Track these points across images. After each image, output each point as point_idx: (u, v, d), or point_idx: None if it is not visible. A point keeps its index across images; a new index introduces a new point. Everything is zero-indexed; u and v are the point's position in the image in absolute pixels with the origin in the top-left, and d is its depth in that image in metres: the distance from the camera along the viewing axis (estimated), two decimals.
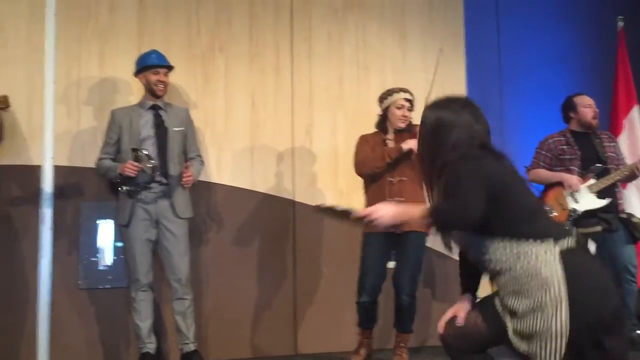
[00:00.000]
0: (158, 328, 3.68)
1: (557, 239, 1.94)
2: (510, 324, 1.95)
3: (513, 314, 1.95)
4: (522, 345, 1.93)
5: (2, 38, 3.69)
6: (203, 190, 3.96)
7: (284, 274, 4.10)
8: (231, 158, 4.11)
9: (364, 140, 3.65)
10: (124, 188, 3.40)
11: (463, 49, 4.61)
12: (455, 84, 4.38)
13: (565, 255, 1.92)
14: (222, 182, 4.07)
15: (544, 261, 1.91)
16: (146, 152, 3.40)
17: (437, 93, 4.43)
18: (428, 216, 1.96)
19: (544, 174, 3.93)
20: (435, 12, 4.61)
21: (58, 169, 3.68)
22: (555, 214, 3.76)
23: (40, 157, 3.64)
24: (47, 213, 3.63)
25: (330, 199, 4.07)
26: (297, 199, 4.13)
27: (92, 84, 3.86)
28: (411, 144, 3.39)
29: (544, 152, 3.98)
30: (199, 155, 3.72)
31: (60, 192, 3.68)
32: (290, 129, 4.23)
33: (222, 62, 4.15)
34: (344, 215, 2.06)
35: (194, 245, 3.73)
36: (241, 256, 4.04)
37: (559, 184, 3.85)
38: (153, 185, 3.44)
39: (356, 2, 4.47)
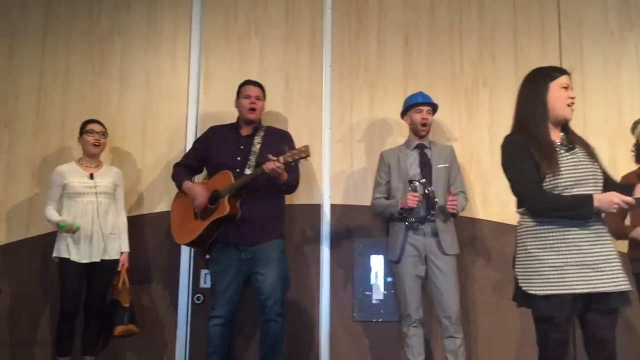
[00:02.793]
0: None
1: None
2: None
3: None
4: None
5: (287, 91, 4.17)
6: (469, 227, 3.93)
7: None
8: (497, 193, 4.01)
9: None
10: (408, 220, 3.49)
11: None
12: None
13: None
14: (488, 218, 3.98)
15: None
16: (423, 181, 3.49)
17: None
18: None
19: None
20: None
21: (334, 207, 4.02)
22: None
23: (319, 196, 4.04)
24: (325, 248, 3.97)
25: None
26: None
27: (363, 127, 4.12)
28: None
29: None
30: (463, 192, 3.71)
31: (336, 229, 3.99)
32: None
33: (486, 97, 4.11)
34: None
35: (461, 282, 3.69)
36: (511, 296, 3.87)
37: None
38: (431, 215, 3.49)
39: (636, 20, 4.08)
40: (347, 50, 4.20)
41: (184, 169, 3.71)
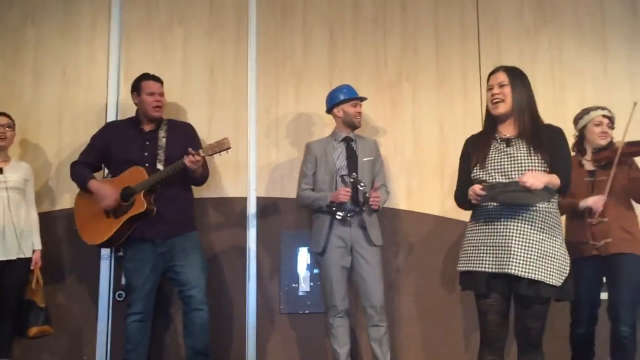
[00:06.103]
0: (354, 354, 3.73)
1: None
2: None
3: None
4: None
5: (213, 82, 4.10)
6: (392, 218, 3.99)
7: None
8: (420, 185, 4.09)
9: None
10: (338, 214, 3.50)
11: None
12: None
13: None
14: (411, 209, 4.06)
15: None
16: (355, 176, 3.51)
17: None
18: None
19: None
20: None
21: (260, 200, 3.98)
22: None
23: (245, 189, 4.00)
24: (252, 241, 3.94)
25: None
26: None
27: (289, 120, 4.11)
28: (590, 202, 3.33)
29: None
30: (384, 185, 3.76)
31: (262, 222, 3.96)
32: None
33: (409, 91, 4.19)
34: (509, 186, 2.49)
35: (384, 272, 3.73)
36: (433, 284, 3.98)
37: None
38: (360, 209, 3.51)
39: (549, 17, 4.27)
40: (273, 43, 4.17)
41: (84, 167, 3.57)
